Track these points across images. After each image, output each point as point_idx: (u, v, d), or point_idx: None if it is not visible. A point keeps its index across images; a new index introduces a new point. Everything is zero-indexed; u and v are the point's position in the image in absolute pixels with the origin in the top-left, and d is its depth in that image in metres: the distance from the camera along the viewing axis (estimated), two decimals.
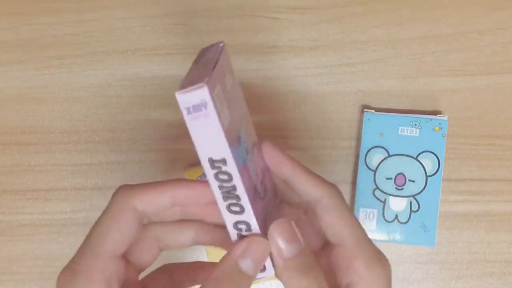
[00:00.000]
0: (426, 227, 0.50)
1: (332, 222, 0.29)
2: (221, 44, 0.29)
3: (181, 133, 0.52)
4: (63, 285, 0.27)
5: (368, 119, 0.50)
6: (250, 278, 0.27)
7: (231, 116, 0.27)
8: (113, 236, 0.28)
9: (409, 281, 0.52)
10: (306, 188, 0.30)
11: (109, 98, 0.53)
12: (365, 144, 0.50)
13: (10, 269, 0.53)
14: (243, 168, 0.27)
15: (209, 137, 0.25)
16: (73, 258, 0.28)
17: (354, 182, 0.52)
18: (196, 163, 0.51)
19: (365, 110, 0.51)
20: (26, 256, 0.53)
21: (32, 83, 0.53)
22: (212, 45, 0.29)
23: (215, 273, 0.27)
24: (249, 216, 0.27)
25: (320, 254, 0.32)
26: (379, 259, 0.29)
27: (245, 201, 0.27)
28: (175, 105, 0.54)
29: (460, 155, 0.52)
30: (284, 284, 0.28)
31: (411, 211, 0.51)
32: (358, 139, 0.52)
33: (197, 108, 0.25)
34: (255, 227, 0.28)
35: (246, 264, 0.27)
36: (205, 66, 0.27)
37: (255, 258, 0.27)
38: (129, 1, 0.53)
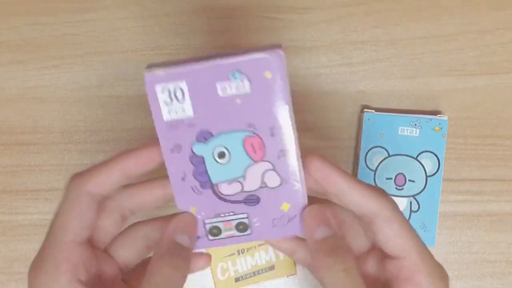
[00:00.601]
0: (426, 227, 0.50)
1: (394, 235, 0.30)
2: (263, 55, 0.29)
3: None
4: (33, 276, 0.28)
5: (368, 119, 0.50)
6: (188, 249, 0.30)
7: (197, 115, 0.30)
8: (73, 223, 0.28)
9: None
10: (364, 201, 0.30)
11: (109, 98, 0.53)
12: (365, 144, 0.50)
13: (10, 269, 0.53)
14: (186, 160, 0.31)
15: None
16: (39, 249, 0.29)
17: None
18: None
19: (365, 110, 0.51)
20: (26, 256, 0.53)
21: (32, 83, 0.53)
22: (267, 46, 0.29)
23: (156, 252, 0.29)
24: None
25: (368, 256, 0.32)
26: (441, 273, 0.30)
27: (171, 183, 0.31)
28: None
29: (460, 155, 0.52)
30: (314, 266, 0.31)
31: (411, 211, 0.51)
32: (358, 139, 0.52)
33: (147, 89, 0.29)
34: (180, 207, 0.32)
35: (181, 238, 0.29)
36: (195, 57, 0.29)
37: (187, 231, 0.30)
38: (129, 1, 0.53)
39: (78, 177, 0.29)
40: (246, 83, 0.29)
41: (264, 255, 0.51)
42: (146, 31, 0.53)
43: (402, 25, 0.52)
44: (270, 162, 0.32)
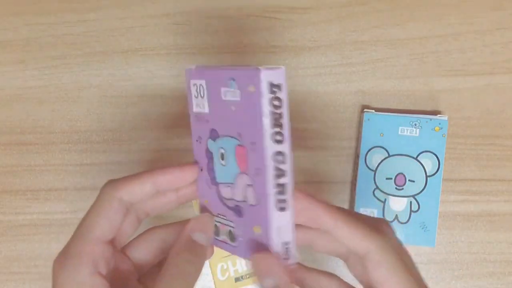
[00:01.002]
0: (426, 227, 0.50)
1: (383, 279, 0.28)
2: (256, 70, 0.29)
3: (181, 133, 0.52)
4: (57, 267, 0.29)
5: (368, 119, 0.50)
6: (203, 247, 0.31)
7: (210, 113, 0.32)
8: (101, 223, 0.30)
9: None
10: (352, 240, 0.29)
11: (109, 98, 0.53)
12: (365, 144, 0.50)
13: (10, 269, 0.53)
14: (203, 152, 0.33)
15: None
16: (66, 244, 0.30)
17: (354, 182, 0.52)
18: None
19: (365, 110, 0.51)
20: (26, 256, 0.53)
21: (32, 83, 0.53)
22: (268, 67, 0.29)
23: (174, 247, 0.30)
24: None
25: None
26: None
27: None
28: (174, 105, 0.54)
29: (460, 155, 0.52)
30: None
31: (411, 211, 0.51)
32: (358, 139, 0.52)
33: (186, 81, 0.34)
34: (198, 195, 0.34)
35: (197, 236, 0.31)
36: (225, 65, 0.33)
37: (204, 230, 0.32)
38: (129, 1, 0.53)
39: (113, 183, 0.32)
40: (238, 92, 0.30)
41: None
42: (146, 31, 0.53)
43: (402, 25, 0.52)
44: (250, 177, 0.30)
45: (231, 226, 0.32)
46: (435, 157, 0.50)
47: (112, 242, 0.31)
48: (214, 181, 0.33)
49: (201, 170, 0.33)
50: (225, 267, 0.51)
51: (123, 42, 0.53)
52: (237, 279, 0.51)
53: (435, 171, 0.50)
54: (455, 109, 0.52)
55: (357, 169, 0.51)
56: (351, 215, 0.30)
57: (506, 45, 0.52)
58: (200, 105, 0.33)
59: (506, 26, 0.52)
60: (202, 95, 0.32)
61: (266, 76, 0.28)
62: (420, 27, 0.52)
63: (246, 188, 0.31)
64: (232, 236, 0.33)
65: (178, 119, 0.52)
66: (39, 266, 0.53)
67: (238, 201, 0.31)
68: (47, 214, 0.53)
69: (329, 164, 0.52)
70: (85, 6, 0.53)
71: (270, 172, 0.29)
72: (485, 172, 0.52)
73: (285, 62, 0.52)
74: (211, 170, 0.33)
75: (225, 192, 0.32)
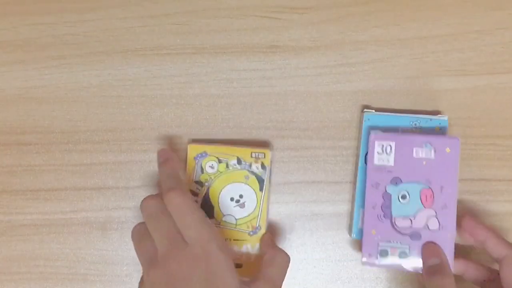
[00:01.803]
0: None
1: (510, 274, 0.43)
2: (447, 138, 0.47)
3: (181, 133, 0.52)
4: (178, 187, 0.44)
5: (368, 119, 0.50)
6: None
7: (396, 165, 0.46)
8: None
9: (409, 281, 0.52)
10: (496, 248, 0.45)
11: (109, 98, 0.53)
12: (365, 144, 0.50)
13: (10, 269, 0.53)
14: (380, 195, 0.46)
15: None
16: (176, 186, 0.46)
17: (354, 182, 0.52)
18: (199, 140, 0.52)
19: (365, 110, 0.51)
20: (26, 256, 0.53)
21: (32, 83, 0.53)
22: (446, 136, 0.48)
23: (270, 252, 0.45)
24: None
25: None
26: None
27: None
28: (174, 105, 0.54)
29: (460, 155, 0.52)
30: (424, 283, 0.44)
31: None
32: (358, 139, 0.52)
33: (370, 141, 0.47)
34: (365, 226, 0.47)
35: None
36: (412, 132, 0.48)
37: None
38: (129, 1, 0.53)
39: (178, 191, 0.42)
40: (433, 152, 0.45)
41: (249, 248, 0.51)
42: (146, 31, 0.53)
43: (402, 25, 0.52)
44: (435, 211, 0.45)
45: (404, 248, 0.46)
46: None
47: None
48: (388, 216, 0.46)
49: (373, 208, 0.46)
50: None
51: (123, 42, 0.53)
52: None
53: None
54: (455, 109, 0.52)
55: (357, 169, 0.51)
56: (497, 234, 0.45)
57: (506, 45, 0.52)
58: (383, 160, 0.46)
59: (506, 26, 0.52)
60: (388, 153, 0.46)
61: (459, 143, 0.46)
62: (420, 27, 0.52)
63: (429, 218, 0.45)
64: (404, 255, 0.46)
65: (178, 119, 0.52)
66: (39, 266, 0.53)
67: (416, 228, 0.46)
68: (47, 214, 0.53)
69: (329, 164, 0.52)
70: (85, 6, 0.53)
71: (456, 207, 0.45)
72: (485, 172, 0.52)
73: (285, 62, 0.52)
74: (386, 207, 0.46)
75: (402, 222, 0.46)
